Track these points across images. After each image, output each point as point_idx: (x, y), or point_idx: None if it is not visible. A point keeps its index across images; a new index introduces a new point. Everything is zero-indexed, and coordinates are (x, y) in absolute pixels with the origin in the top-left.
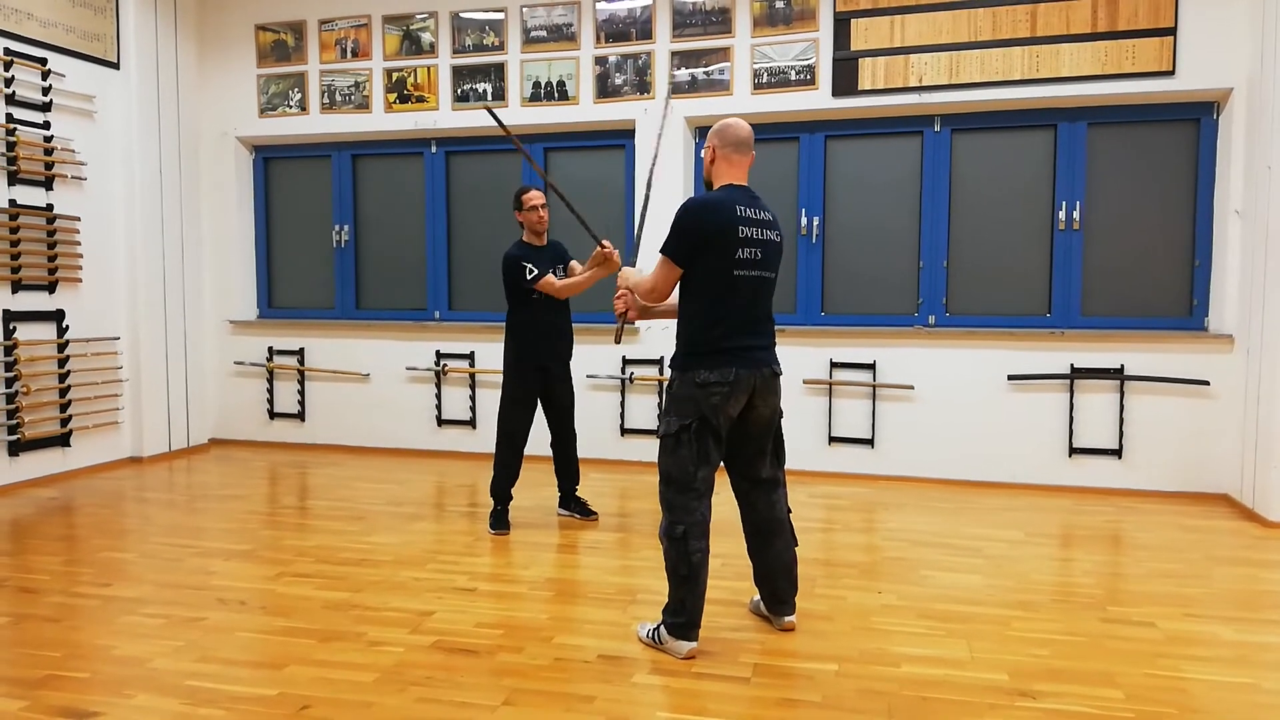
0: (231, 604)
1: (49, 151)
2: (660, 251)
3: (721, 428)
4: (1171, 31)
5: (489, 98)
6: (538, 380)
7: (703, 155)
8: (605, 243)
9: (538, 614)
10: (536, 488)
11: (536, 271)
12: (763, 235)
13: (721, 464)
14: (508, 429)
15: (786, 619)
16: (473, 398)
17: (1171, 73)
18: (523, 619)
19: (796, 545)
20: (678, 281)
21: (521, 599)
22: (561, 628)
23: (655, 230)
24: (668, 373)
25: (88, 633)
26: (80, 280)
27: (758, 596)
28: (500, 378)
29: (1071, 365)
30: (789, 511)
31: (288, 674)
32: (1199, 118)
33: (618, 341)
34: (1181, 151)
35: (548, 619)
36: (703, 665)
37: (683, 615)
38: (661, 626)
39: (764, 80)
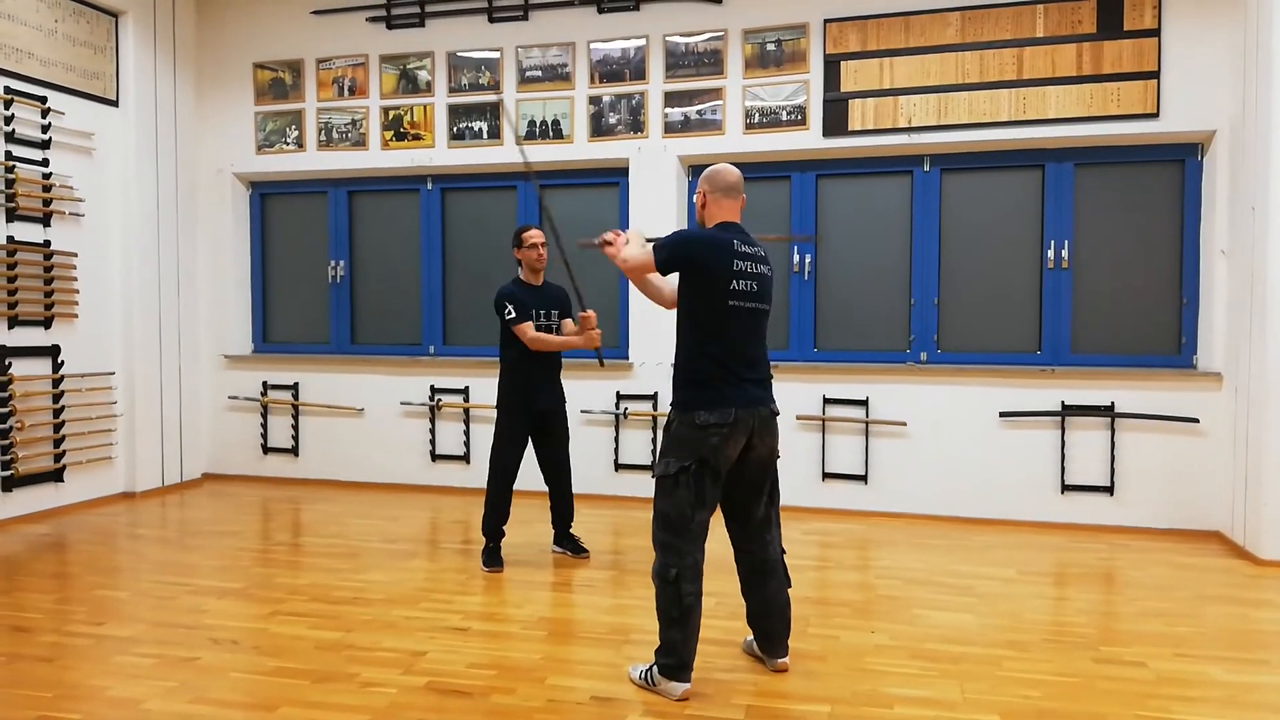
0: (224, 644)
1: (47, 189)
2: (652, 241)
3: (721, 469)
4: (1155, 75)
5: (485, 136)
6: (530, 417)
7: (695, 200)
8: (590, 314)
9: (530, 654)
10: (530, 524)
11: (514, 315)
12: (756, 269)
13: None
14: (499, 465)
15: (780, 660)
16: (467, 433)
17: (1156, 115)
18: (515, 659)
19: (790, 586)
20: (646, 276)
21: (514, 639)
22: (554, 668)
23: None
24: (664, 409)
25: (80, 673)
26: (76, 316)
27: (751, 637)
28: (494, 413)
29: (1062, 402)
30: (783, 552)
31: (280, 716)
32: (1184, 159)
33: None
34: (1167, 192)
35: (540, 659)
36: (696, 707)
37: (675, 657)
38: (654, 668)
39: (755, 120)
